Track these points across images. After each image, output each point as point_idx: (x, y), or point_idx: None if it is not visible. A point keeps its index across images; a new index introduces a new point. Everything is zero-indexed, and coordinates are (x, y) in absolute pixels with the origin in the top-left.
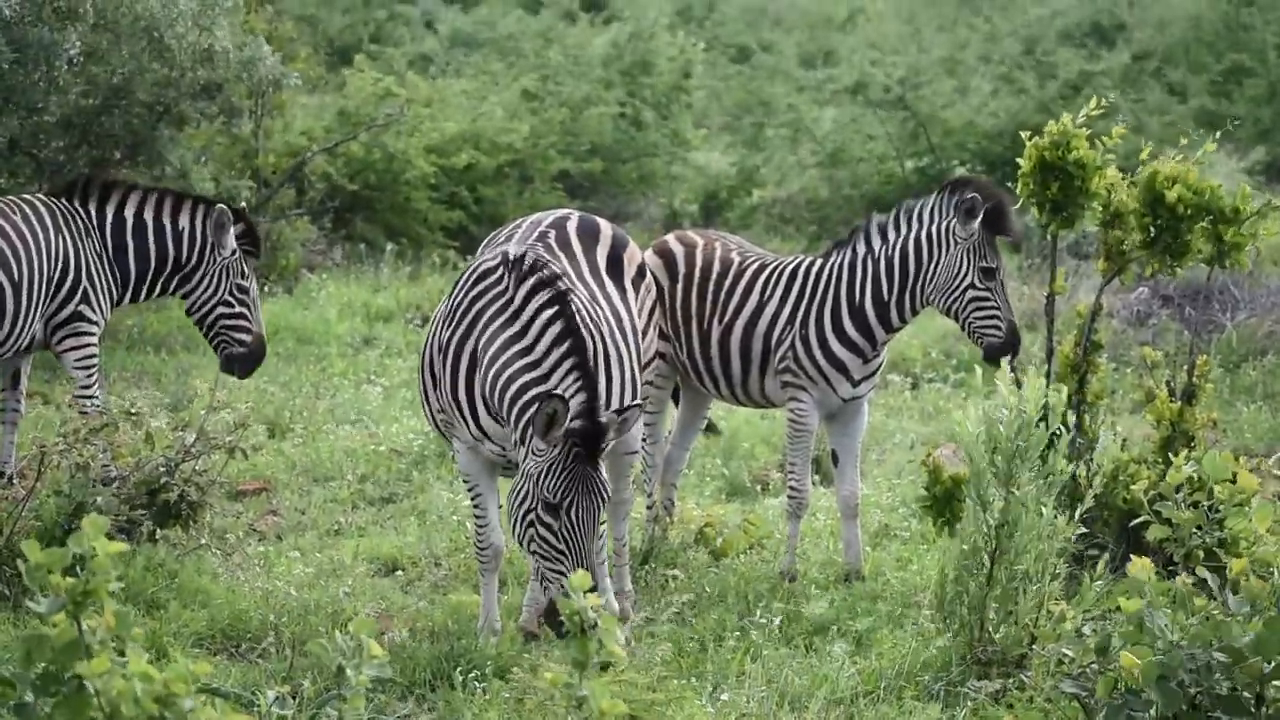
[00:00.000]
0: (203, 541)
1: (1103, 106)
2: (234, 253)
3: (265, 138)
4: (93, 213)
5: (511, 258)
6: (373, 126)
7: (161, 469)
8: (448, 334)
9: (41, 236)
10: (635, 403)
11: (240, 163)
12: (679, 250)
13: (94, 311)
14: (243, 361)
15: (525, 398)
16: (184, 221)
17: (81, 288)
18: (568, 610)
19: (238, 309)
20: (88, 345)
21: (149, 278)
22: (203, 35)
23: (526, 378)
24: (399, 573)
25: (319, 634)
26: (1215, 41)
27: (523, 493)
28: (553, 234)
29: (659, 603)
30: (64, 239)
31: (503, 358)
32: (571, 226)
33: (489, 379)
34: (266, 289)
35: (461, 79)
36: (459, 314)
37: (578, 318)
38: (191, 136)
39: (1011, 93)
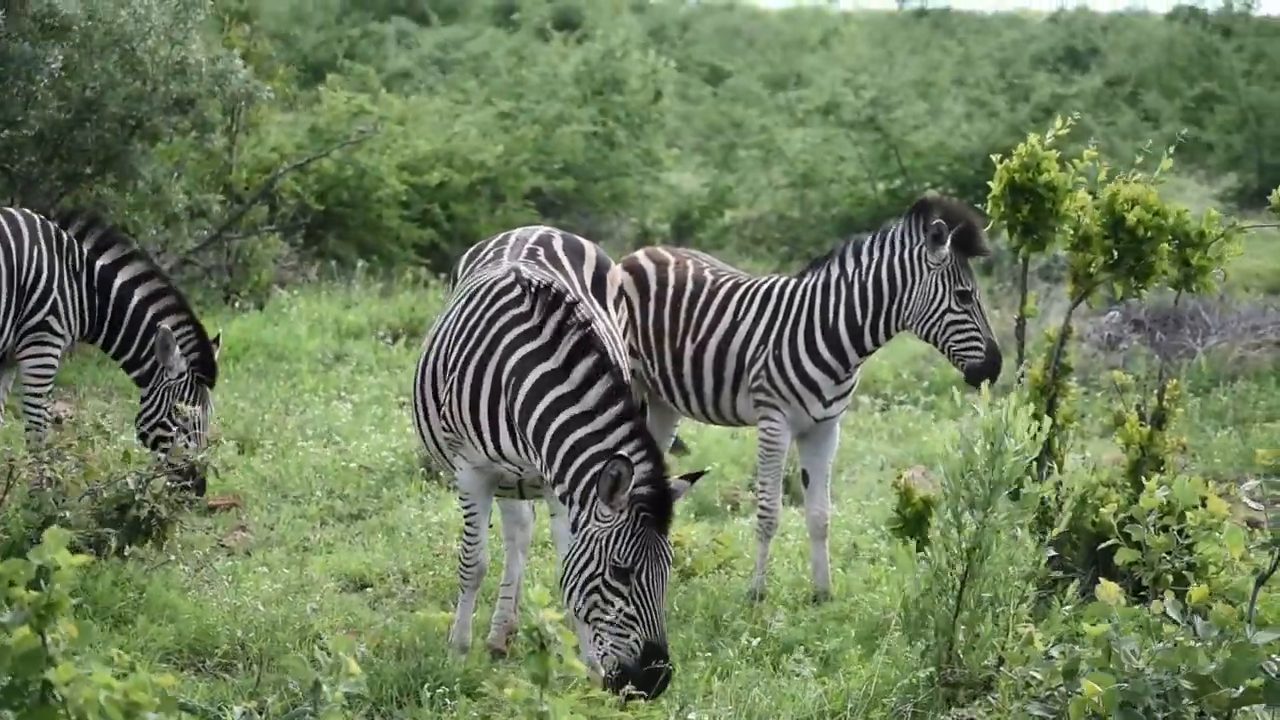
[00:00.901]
0: (171, 557)
1: (1069, 126)
2: (181, 376)
3: (239, 154)
4: (85, 250)
5: (529, 280)
6: (345, 144)
7: (132, 485)
8: (459, 353)
9: (14, 244)
10: (705, 470)
11: (212, 178)
12: (649, 267)
13: (60, 325)
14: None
15: (583, 456)
16: (166, 324)
17: (51, 298)
18: (530, 626)
19: (173, 432)
20: (48, 355)
21: (116, 342)
22: (175, 49)
23: (581, 433)
24: (367, 589)
25: (286, 650)
26: (1188, 67)
27: (585, 557)
28: (541, 251)
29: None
30: (39, 249)
31: (546, 399)
32: (558, 245)
33: (530, 417)
34: (238, 304)
35: (435, 97)
36: (475, 333)
37: (618, 366)
38: (164, 151)
39: (983, 116)
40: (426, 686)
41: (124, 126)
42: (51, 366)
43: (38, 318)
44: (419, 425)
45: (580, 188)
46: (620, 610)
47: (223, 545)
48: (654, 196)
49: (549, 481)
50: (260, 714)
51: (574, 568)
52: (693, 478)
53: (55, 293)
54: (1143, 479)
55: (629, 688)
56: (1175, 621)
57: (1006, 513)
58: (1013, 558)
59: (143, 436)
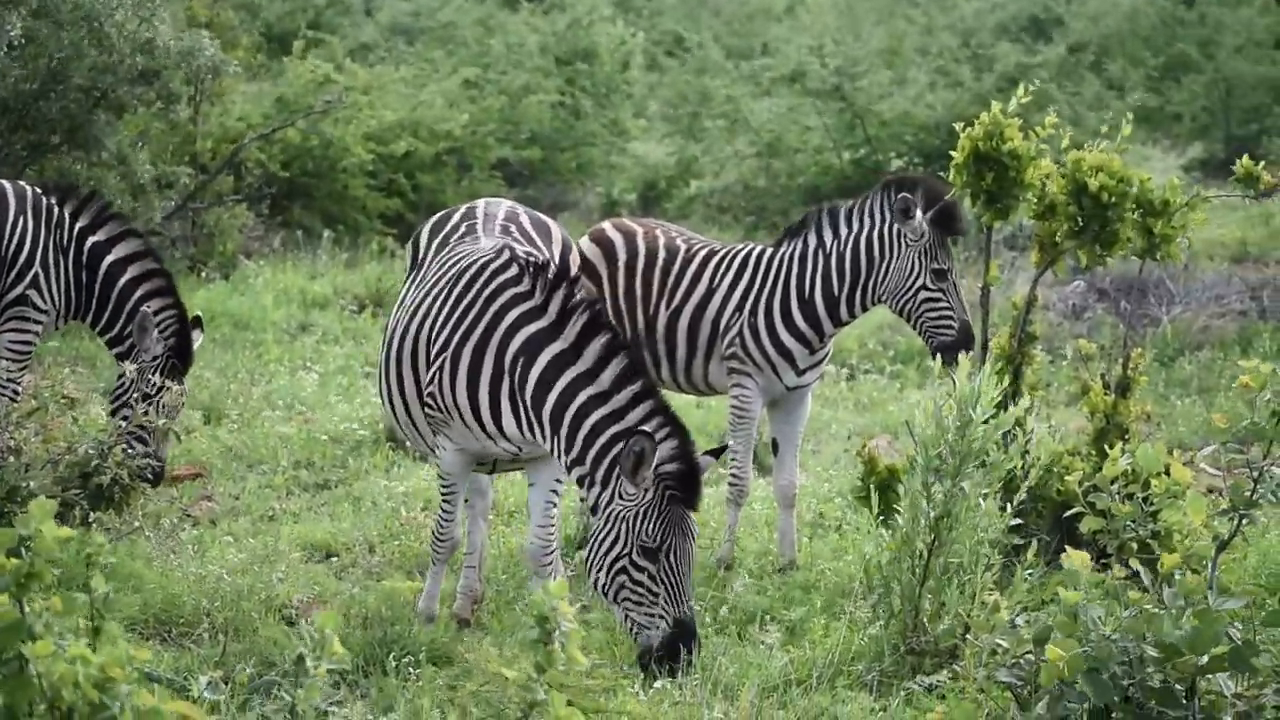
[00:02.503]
0: (136, 525)
1: (1030, 93)
2: (155, 359)
3: (204, 124)
4: (77, 226)
5: (525, 259)
6: (310, 113)
7: (94, 453)
8: (452, 333)
9: None
10: (724, 445)
11: (178, 149)
12: (617, 238)
13: (43, 300)
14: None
15: (604, 437)
16: (147, 307)
17: (33, 272)
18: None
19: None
20: (28, 332)
21: (102, 320)
22: (142, 25)
23: (600, 413)
24: (333, 559)
25: (252, 619)
26: (1152, 36)
27: (610, 537)
28: (513, 227)
29: (591, 590)
30: (25, 221)
31: (562, 380)
32: (526, 221)
33: (546, 399)
34: (204, 275)
35: (401, 67)
36: (471, 313)
37: (631, 344)
38: (129, 122)
39: (948, 85)
40: (392, 655)
41: (89, 97)
42: (29, 343)
43: (17, 291)
44: (390, 402)
45: (546, 158)
46: (649, 589)
47: (188, 515)
48: (620, 166)
49: (565, 464)
50: (226, 684)
51: (599, 548)
52: (715, 453)
53: (38, 266)
54: (1107, 447)
55: (656, 666)
56: (1144, 589)
57: (975, 482)
58: (978, 525)
59: (113, 414)
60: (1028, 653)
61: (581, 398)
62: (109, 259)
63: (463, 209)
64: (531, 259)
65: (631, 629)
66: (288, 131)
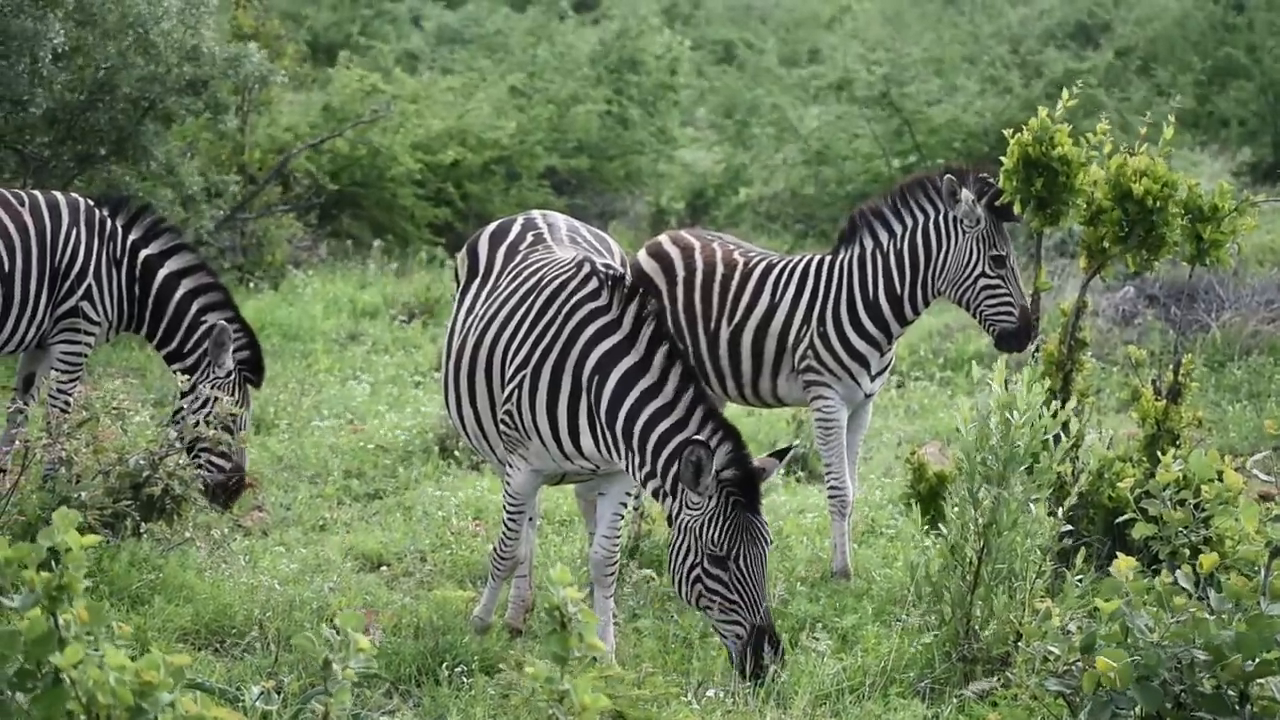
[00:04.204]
0: (188, 536)
1: (1076, 97)
2: (229, 374)
3: (252, 134)
4: (130, 239)
5: (604, 272)
6: (359, 123)
7: (144, 463)
8: (531, 350)
9: (50, 226)
10: (791, 445)
11: (227, 159)
12: (675, 252)
13: (95, 312)
14: (222, 492)
15: (670, 446)
16: (209, 319)
17: (86, 284)
18: (552, 604)
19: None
20: (80, 343)
21: (158, 334)
22: (188, 33)
23: (666, 424)
24: (384, 568)
25: (304, 629)
26: (1201, 41)
27: (684, 548)
28: (578, 238)
29: (643, 599)
30: (78, 233)
31: (632, 394)
32: (587, 233)
33: (618, 414)
34: (252, 285)
35: (448, 76)
36: (550, 330)
37: (686, 353)
38: (177, 132)
39: (996, 92)
40: (444, 665)
41: (137, 108)
42: (81, 354)
43: (71, 303)
44: (458, 413)
45: (595, 166)
46: (725, 596)
47: (239, 525)
48: (669, 175)
49: (640, 479)
50: (278, 693)
51: (676, 558)
52: (780, 454)
53: (91, 278)
54: (1159, 453)
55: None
56: (1189, 594)
57: (1022, 487)
58: (1029, 532)
59: (173, 421)
60: (1078, 660)
61: (649, 410)
62: (163, 272)
63: (520, 219)
64: (611, 271)
65: (722, 636)
66: (336, 141)
